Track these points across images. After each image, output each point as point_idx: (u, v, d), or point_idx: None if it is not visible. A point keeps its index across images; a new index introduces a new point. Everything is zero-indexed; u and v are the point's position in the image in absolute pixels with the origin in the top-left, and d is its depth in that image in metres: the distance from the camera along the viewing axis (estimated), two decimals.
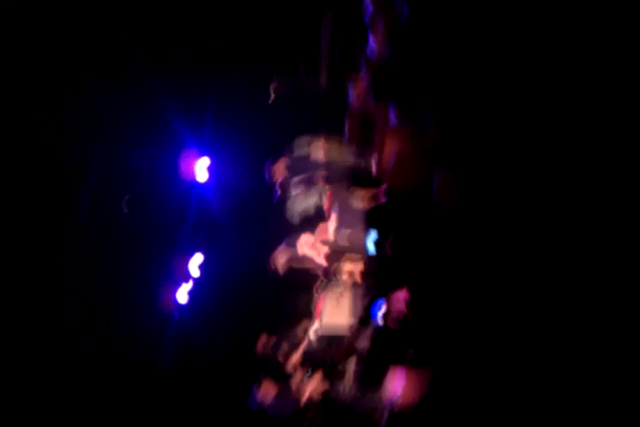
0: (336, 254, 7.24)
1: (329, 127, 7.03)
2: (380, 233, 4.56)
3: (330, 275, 7.38)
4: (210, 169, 8.35)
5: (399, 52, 4.16)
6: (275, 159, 7.74)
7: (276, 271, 7.39)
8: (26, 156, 7.60)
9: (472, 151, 3.67)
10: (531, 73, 3.34)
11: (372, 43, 4.84)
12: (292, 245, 7.43)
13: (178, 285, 8.57)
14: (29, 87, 7.56)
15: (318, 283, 7.64)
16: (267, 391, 7.36)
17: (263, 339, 7.96)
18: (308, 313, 7.94)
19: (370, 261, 4.98)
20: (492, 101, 3.50)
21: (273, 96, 7.37)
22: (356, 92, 5.67)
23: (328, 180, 7.46)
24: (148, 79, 8.09)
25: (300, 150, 7.61)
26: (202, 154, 8.25)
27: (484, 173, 3.53)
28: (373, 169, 5.16)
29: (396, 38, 4.27)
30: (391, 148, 4.77)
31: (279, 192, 7.69)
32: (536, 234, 3.17)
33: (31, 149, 7.64)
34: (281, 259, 7.42)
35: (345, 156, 6.61)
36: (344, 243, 7.11)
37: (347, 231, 7.20)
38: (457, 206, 3.70)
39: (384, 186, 4.96)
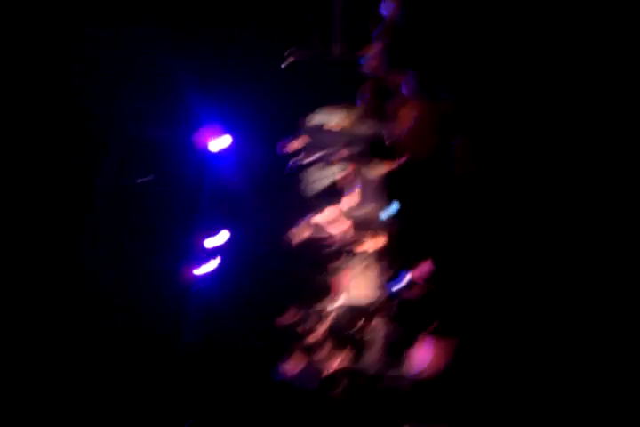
0: (358, 229, 7.20)
1: (344, 97, 6.92)
2: (400, 205, 4.47)
3: (353, 249, 7.35)
4: (228, 142, 8.28)
5: (413, 19, 4.03)
6: (290, 130, 7.67)
7: (295, 246, 7.38)
8: (43, 129, 7.58)
9: (489, 118, 3.57)
10: (551, 39, 3.22)
11: (386, 9, 4.71)
12: (313, 221, 7.40)
13: (199, 258, 8.56)
14: (46, 59, 7.51)
15: (342, 257, 7.61)
16: (291, 365, 7.40)
17: (287, 313, 7.98)
18: (332, 287, 7.92)
19: (392, 234, 4.90)
20: (509, 68, 3.38)
21: (287, 65, 7.23)
22: (370, 61, 5.55)
23: (347, 153, 7.41)
24: (162, 48, 7.99)
25: (316, 122, 7.55)
26: (219, 126, 8.17)
27: (502, 140, 3.44)
28: (389, 139, 5.06)
29: (409, 4, 4.14)
30: (407, 116, 4.67)
31: (295, 165, 7.64)
32: (556, 200, 3.08)
33: (49, 122, 7.61)
34: (301, 234, 7.39)
35: (361, 126, 6.51)
36: (366, 217, 7.06)
37: (368, 205, 7.16)
38: (475, 175, 3.61)
39: (403, 158, 4.86)
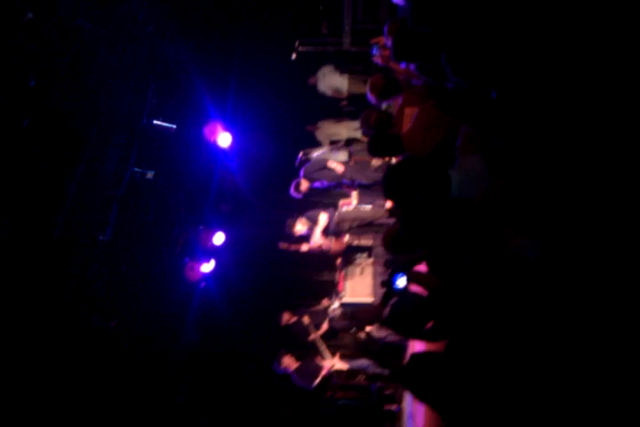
0: (356, 228, 7.09)
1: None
2: (399, 204, 4.24)
3: (349, 252, 7.27)
4: (234, 136, 8.15)
5: (419, 9, 3.80)
6: (300, 125, 7.56)
7: (290, 237, 7.28)
8: (49, 123, 7.42)
9: (497, 111, 3.31)
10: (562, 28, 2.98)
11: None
12: (312, 220, 7.32)
13: (204, 255, 8.39)
14: (55, 52, 7.37)
15: (339, 260, 7.52)
16: (288, 363, 7.34)
17: (287, 314, 7.89)
18: (330, 289, 7.84)
19: (390, 234, 4.68)
20: (520, 57, 3.13)
21: (295, 55, 7.10)
22: (380, 51, 5.38)
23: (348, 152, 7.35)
24: (172, 43, 7.84)
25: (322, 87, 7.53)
26: (226, 121, 8.05)
27: (511, 135, 3.18)
28: (393, 133, 4.85)
29: None
30: (413, 109, 4.47)
31: (302, 156, 7.55)
32: (563, 199, 2.81)
33: (55, 117, 7.46)
34: (298, 225, 7.30)
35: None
36: (364, 215, 6.95)
37: (368, 206, 7.06)
38: (480, 172, 3.38)
39: (404, 154, 4.66)
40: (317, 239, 7.32)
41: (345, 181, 7.71)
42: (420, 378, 3.25)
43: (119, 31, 7.45)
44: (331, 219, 7.23)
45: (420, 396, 3.31)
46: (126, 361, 7.46)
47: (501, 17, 3.11)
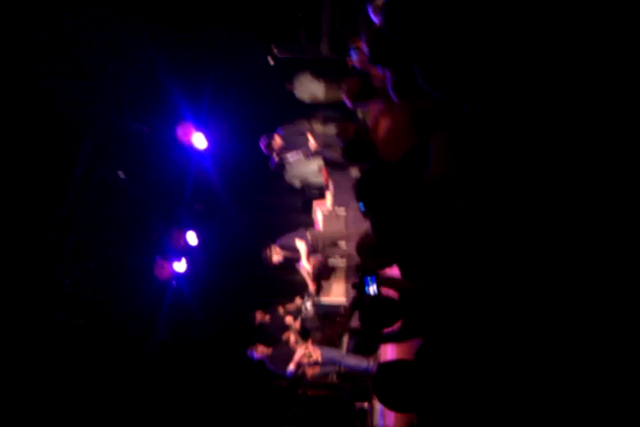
0: (329, 231, 7.17)
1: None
2: (372, 208, 4.32)
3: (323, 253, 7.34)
4: (208, 137, 8.18)
5: (392, 20, 3.89)
6: (273, 128, 7.61)
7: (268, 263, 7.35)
8: (24, 122, 7.41)
9: (469, 118, 3.42)
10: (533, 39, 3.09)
11: (370, 9, 4.62)
12: (287, 247, 7.37)
13: (175, 254, 8.42)
14: (31, 51, 7.37)
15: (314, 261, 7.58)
16: (262, 350, 7.43)
17: (259, 313, 7.92)
18: (303, 289, 7.90)
19: (363, 238, 4.77)
20: (491, 67, 3.24)
21: (273, 61, 7.14)
22: (357, 58, 5.46)
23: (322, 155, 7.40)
24: (147, 43, 7.87)
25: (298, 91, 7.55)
26: (200, 123, 8.07)
27: (483, 141, 3.29)
28: (365, 138, 4.94)
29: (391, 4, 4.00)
30: (386, 114, 4.56)
31: (277, 159, 7.56)
32: (536, 209, 2.92)
33: (30, 114, 7.45)
34: (274, 256, 7.35)
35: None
36: (339, 237, 7.05)
37: (342, 210, 7.15)
38: (452, 178, 3.47)
39: (378, 158, 4.75)
40: (306, 266, 7.39)
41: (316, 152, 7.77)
42: (390, 388, 3.31)
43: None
44: (305, 240, 7.29)
45: (390, 406, 3.38)
46: (95, 359, 7.47)
47: (470, 30, 3.23)
